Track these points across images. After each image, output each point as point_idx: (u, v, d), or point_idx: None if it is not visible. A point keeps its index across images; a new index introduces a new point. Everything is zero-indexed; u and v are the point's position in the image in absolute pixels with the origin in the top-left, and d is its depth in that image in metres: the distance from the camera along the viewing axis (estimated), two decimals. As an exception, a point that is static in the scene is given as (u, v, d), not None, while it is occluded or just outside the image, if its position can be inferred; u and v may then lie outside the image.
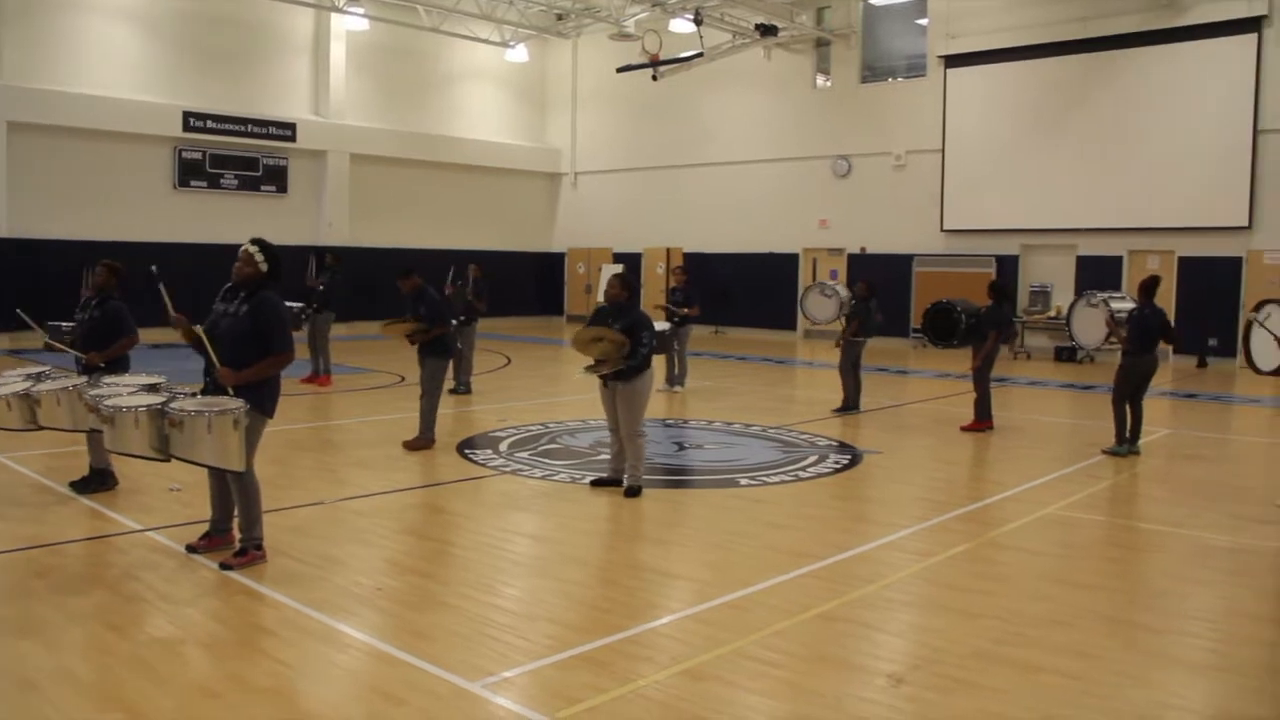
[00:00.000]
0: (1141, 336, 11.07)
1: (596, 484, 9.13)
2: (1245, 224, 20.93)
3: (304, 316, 15.73)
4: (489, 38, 28.68)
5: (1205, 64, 21.30)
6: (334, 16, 26.02)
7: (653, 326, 8.87)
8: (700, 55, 24.70)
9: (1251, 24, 20.81)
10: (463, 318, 14.69)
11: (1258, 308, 9.51)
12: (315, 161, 26.70)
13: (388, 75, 28.34)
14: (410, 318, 10.97)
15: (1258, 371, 9.29)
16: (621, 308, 8.86)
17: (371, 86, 27.95)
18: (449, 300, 13.46)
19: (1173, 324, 12.06)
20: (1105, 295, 13.87)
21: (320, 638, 5.45)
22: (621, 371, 8.66)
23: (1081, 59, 22.75)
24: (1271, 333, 8.88)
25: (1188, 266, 21.74)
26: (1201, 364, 20.84)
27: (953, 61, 24.62)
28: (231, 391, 6.42)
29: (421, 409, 10.94)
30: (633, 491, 8.76)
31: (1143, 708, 4.79)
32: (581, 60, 31.60)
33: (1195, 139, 21.32)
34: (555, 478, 9.56)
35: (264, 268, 6.64)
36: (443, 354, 11.08)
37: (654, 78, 25.49)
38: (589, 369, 8.82)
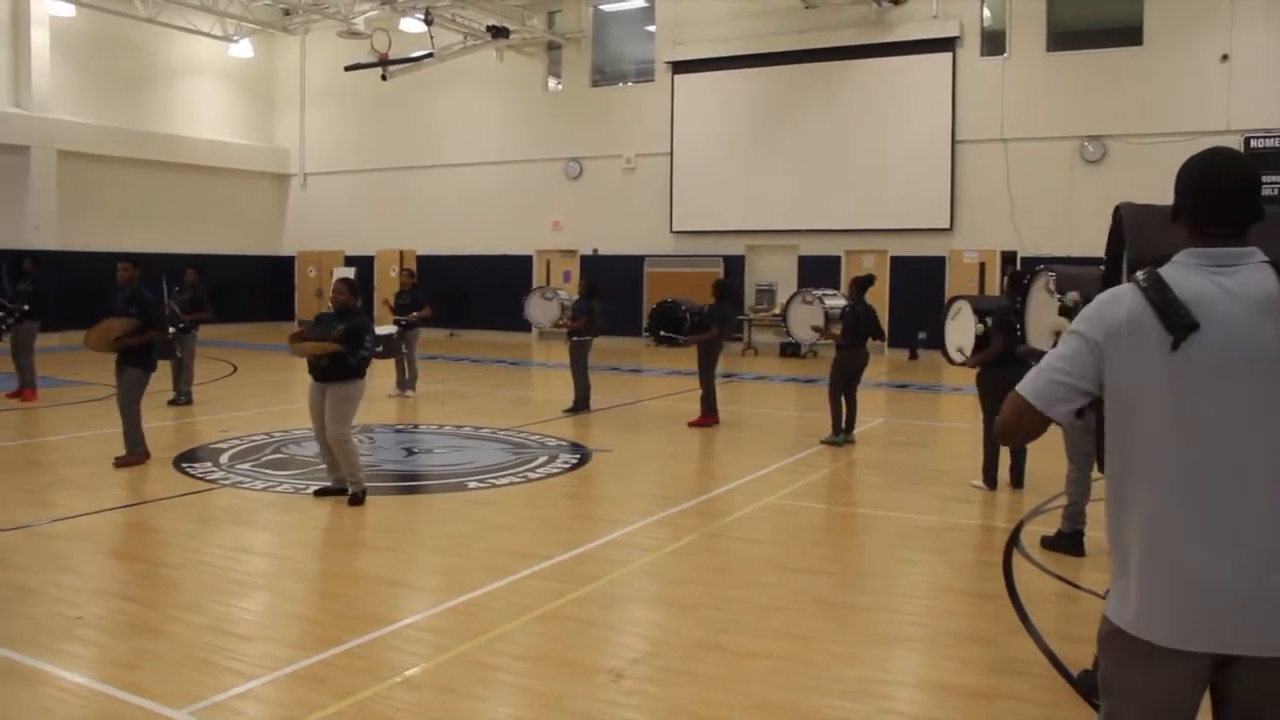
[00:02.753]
0: (854, 331, 11.69)
1: (320, 494, 8.83)
2: (947, 226, 22.59)
3: (3, 327, 14.48)
4: (211, 31, 27.28)
5: (910, 78, 22.84)
6: (33, 0, 24.16)
7: (374, 330, 8.69)
8: (431, 56, 24.41)
9: (947, 44, 22.51)
10: (181, 325, 13.94)
11: (949, 304, 10.17)
12: (17, 157, 24.60)
13: (100, 67, 26.47)
14: (122, 318, 10.00)
15: (951, 361, 9.95)
16: (346, 311, 8.64)
17: (81, 78, 26.00)
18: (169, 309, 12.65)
19: (883, 319, 12.78)
20: (820, 293, 14.55)
21: (11, 677, 5.02)
22: (336, 373, 8.42)
23: (801, 69, 23.87)
24: (982, 326, 9.47)
25: (899, 265, 23.22)
26: (913, 356, 22.19)
27: (680, 67, 25.29)
28: None
29: (124, 425, 10.16)
30: (356, 499, 8.52)
31: (851, 684, 5.03)
32: (310, 58, 30.56)
33: (903, 147, 22.76)
34: (278, 489, 9.19)
35: None
36: (144, 364, 10.11)
37: (384, 77, 24.98)
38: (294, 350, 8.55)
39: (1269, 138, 19.91)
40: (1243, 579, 2.34)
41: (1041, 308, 7.59)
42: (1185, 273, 2.43)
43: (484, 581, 6.47)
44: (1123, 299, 2.46)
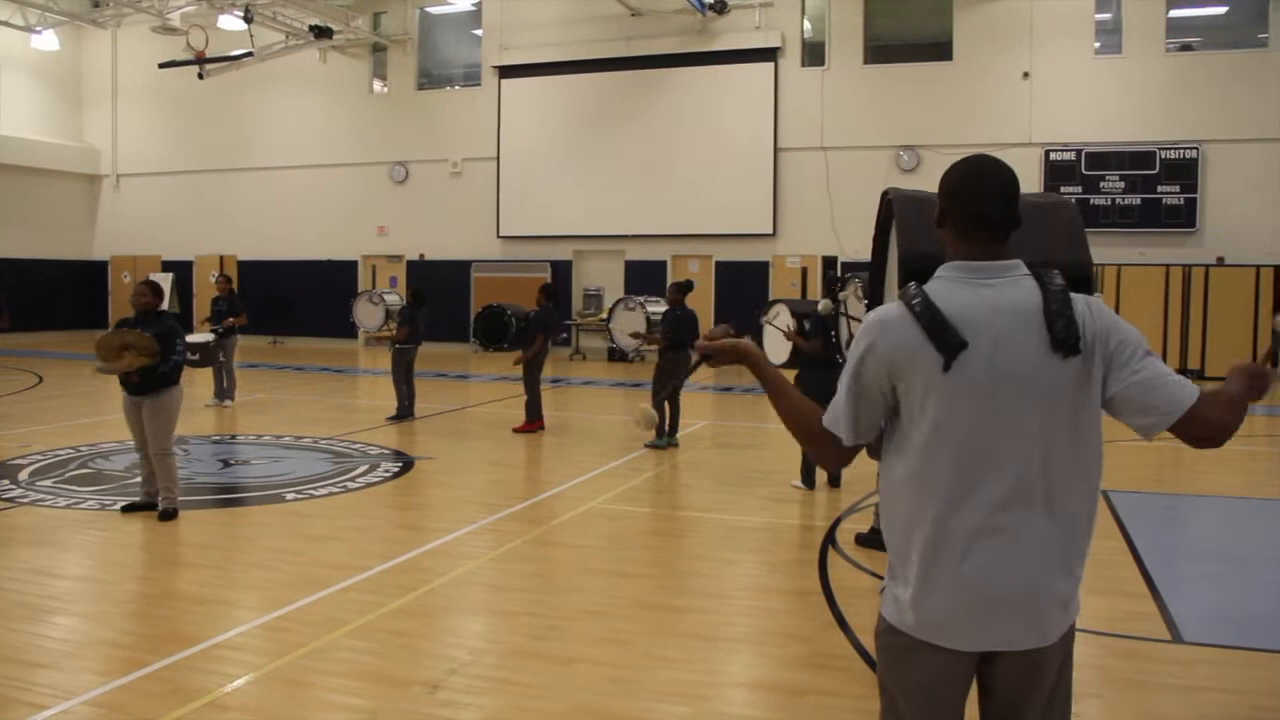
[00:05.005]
0: (676, 336, 11.84)
1: (129, 509, 8.46)
2: (770, 232, 23.13)
3: None
4: (10, 20, 25.78)
5: (734, 87, 23.36)
6: None
7: (183, 334, 8.38)
8: (251, 55, 23.73)
9: (769, 54, 23.10)
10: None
11: (767, 308, 10.42)
12: None
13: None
14: None
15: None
16: (152, 316, 8.30)
17: None
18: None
19: (707, 323, 12.98)
20: (642, 299, 14.74)
21: None
22: (150, 384, 8.10)
23: (628, 75, 24.09)
24: (780, 329, 9.75)
25: (723, 270, 23.66)
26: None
27: (507, 72, 25.23)
28: None
29: None
30: (168, 514, 8.20)
31: (669, 686, 5.08)
32: (122, 53, 29.22)
33: (727, 154, 23.22)
34: (83, 506, 8.76)
35: None
36: None
37: (201, 76, 24.17)
38: (101, 369, 8.15)
39: (1066, 151, 21.05)
40: (1010, 581, 2.46)
41: (858, 313, 7.88)
42: (952, 287, 2.51)
43: (299, 596, 6.31)
44: (892, 322, 2.52)
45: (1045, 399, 2.45)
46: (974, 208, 2.56)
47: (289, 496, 9.21)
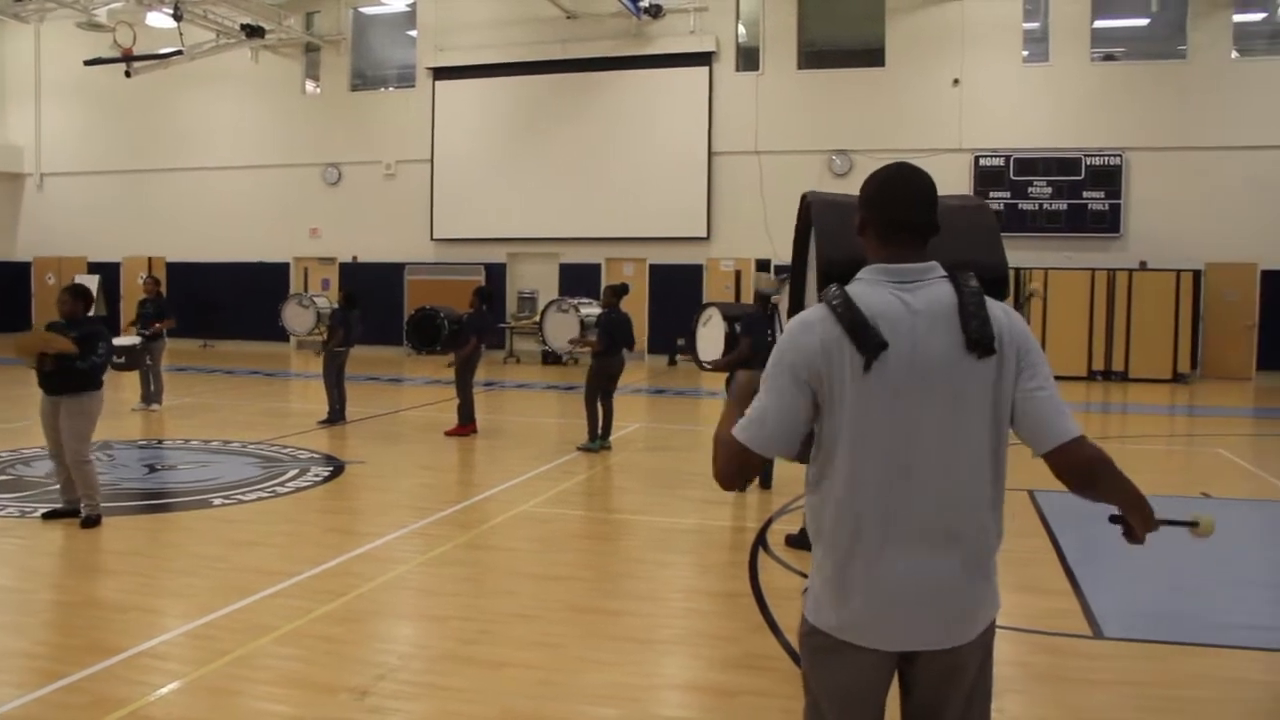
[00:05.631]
0: (609, 339, 11.85)
1: (50, 516, 8.28)
2: (704, 235, 23.26)
3: None
4: (-73, 15, 25.16)
5: (669, 91, 23.44)
6: None
7: (110, 338, 8.24)
8: (180, 53, 23.28)
9: (704, 58, 23.21)
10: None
11: (701, 311, 10.47)
12: None
13: None
14: None
15: (702, 367, 10.24)
16: (75, 322, 8.15)
17: None
18: None
19: (642, 326, 13.01)
20: (575, 301, 14.71)
21: None
22: (67, 383, 7.94)
23: (563, 78, 24.06)
24: (733, 332, 9.79)
25: (657, 273, 23.71)
26: (671, 362, 22.66)
27: (441, 74, 25.08)
28: None
29: None
30: (90, 521, 8.04)
31: (599, 689, 5.09)
32: (45, 49, 28.51)
33: (662, 157, 23.29)
34: (2, 513, 8.57)
35: None
36: None
37: (128, 74, 23.70)
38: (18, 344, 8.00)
39: (995, 157, 21.40)
40: (928, 582, 2.51)
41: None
42: (872, 289, 2.55)
43: (225, 602, 6.22)
44: (813, 324, 2.54)
45: (962, 398, 2.50)
46: (895, 214, 2.61)
47: (216, 502, 9.08)
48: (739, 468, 2.60)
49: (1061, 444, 2.53)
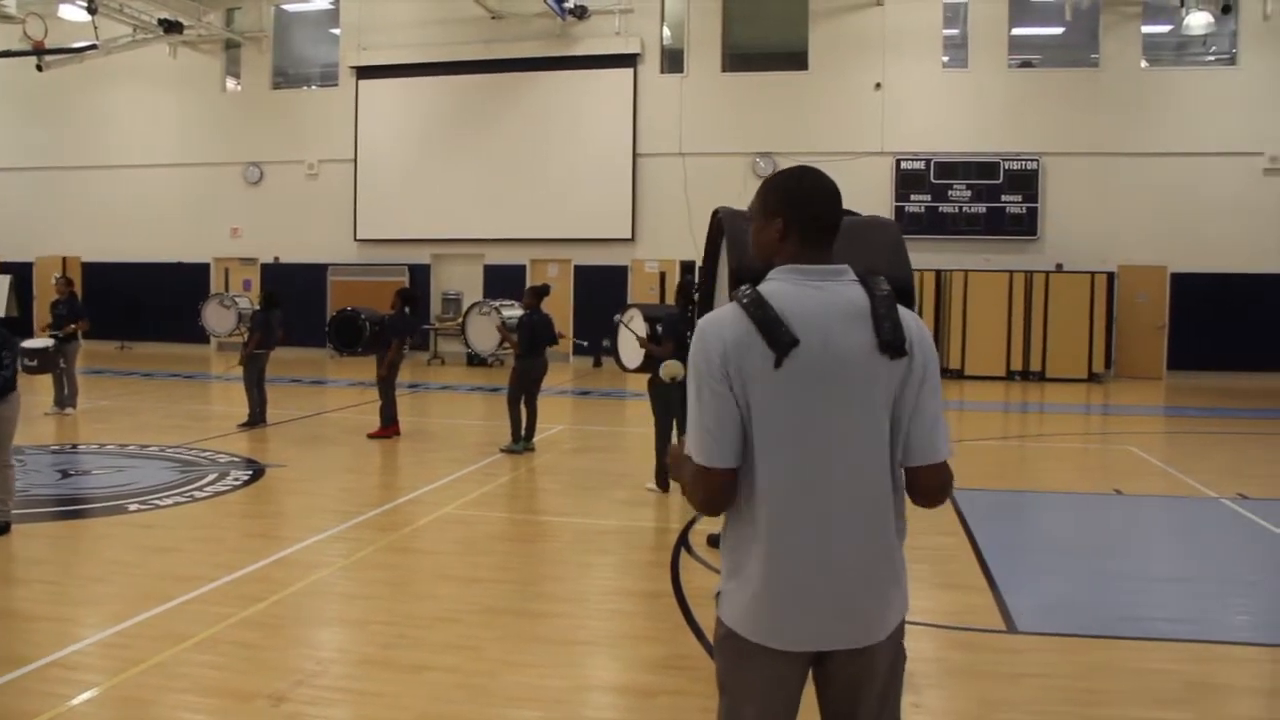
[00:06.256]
0: (531, 340, 11.84)
1: (-44, 523, 8.10)
2: (629, 236, 23.32)
3: None
4: None
5: (594, 92, 23.47)
6: None
7: (16, 346, 8.05)
8: (95, 47, 22.78)
9: (629, 60, 23.27)
10: None
11: (622, 311, 10.51)
12: None
13: None
14: None
15: (624, 369, 10.28)
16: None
17: None
18: None
19: (567, 327, 13.00)
20: (497, 303, 14.66)
21: None
22: None
23: (488, 79, 23.95)
24: (635, 333, 9.84)
25: (582, 274, 23.72)
26: (597, 364, 22.67)
27: (365, 73, 24.83)
28: None
29: None
30: (0, 529, 7.87)
31: (519, 691, 5.10)
32: (-49, 42, 27.84)
33: (587, 159, 23.30)
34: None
35: None
36: None
37: (39, 67, 23.15)
38: None
39: (916, 160, 21.73)
40: (838, 581, 2.55)
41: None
42: (784, 288, 2.57)
43: (139, 610, 6.11)
44: (725, 321, 2.56)
45: (869, 398, 2.54)
46: (819, 212, 2.64)
47: (132, 507, 8.91)
48: (706, 489, 2.58)
49: (934, 463, 2.61)
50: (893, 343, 2.52)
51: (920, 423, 2.59)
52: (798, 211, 2.64)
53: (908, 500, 2.68)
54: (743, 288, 2.61)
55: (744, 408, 2.52)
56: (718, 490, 2.57)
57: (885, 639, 2.62)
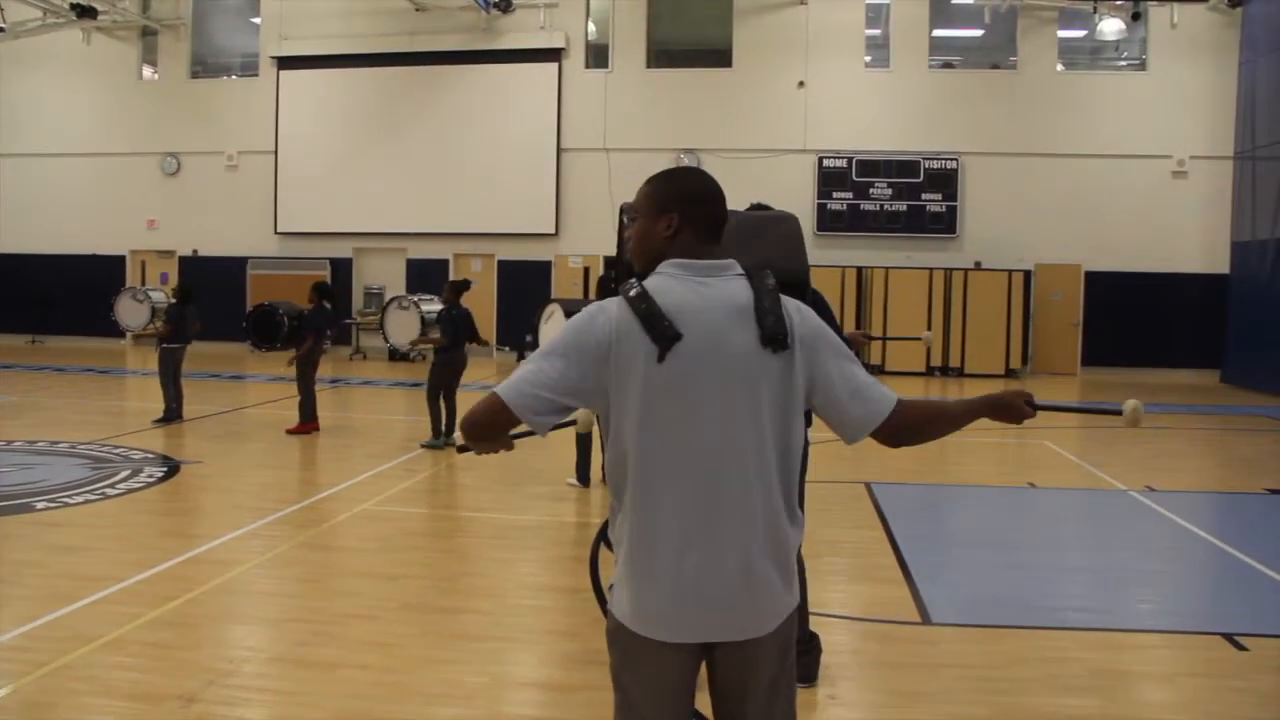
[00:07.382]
0: (452, 335, 11.79)
1: None
2: (553, 231, 23.30)
3: None
4: None
5: (518, 86, 23.38)
6: None
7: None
8: (2, 30, 22.21)
9: (553, 54, 23.26)
10: None
11: (543, 307, 10.50)
12: None
13: None
14: None
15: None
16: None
17: None
18: None
19: (490, 322, 12.95)
20: (416, 298, 14.57)
21: None
22: None
23: (411, 71, 23.76)
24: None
25: (506, 269, 23.67)
26: (521, 358, 22.59)
27: (286, 63, 24.48)
28: None
29: None
30: (-101, 527, 7.66)
31: (436, 687, 5.07)
32: None
33: (511, 153, 23.23)
34: None
35: None
36: None
37: (-56, 53, 22.53)
38: None
39: (838, 158, 21.97)
40: (721, 574, 2.56)
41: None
42: (670, 283, 2.60)
43: (44, 611, 5.96)
44: (609, 313, 2.57)
45: (755, 392, 2.57)
46: (710, 209, 2.69)
47: (39, 506, 8.68)
48: (488, 422, 2.60)
49: (885, 417, 2.67)
50: (774, 337, 2.55)
51: (849, 398, 2.66)
52: (698, 209, 2.68)
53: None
54: (630, 281, 2.63)
55: (622, 402, 2.55)
56: (489, 425, 2.61)
57: (773, 631, 2.64)
